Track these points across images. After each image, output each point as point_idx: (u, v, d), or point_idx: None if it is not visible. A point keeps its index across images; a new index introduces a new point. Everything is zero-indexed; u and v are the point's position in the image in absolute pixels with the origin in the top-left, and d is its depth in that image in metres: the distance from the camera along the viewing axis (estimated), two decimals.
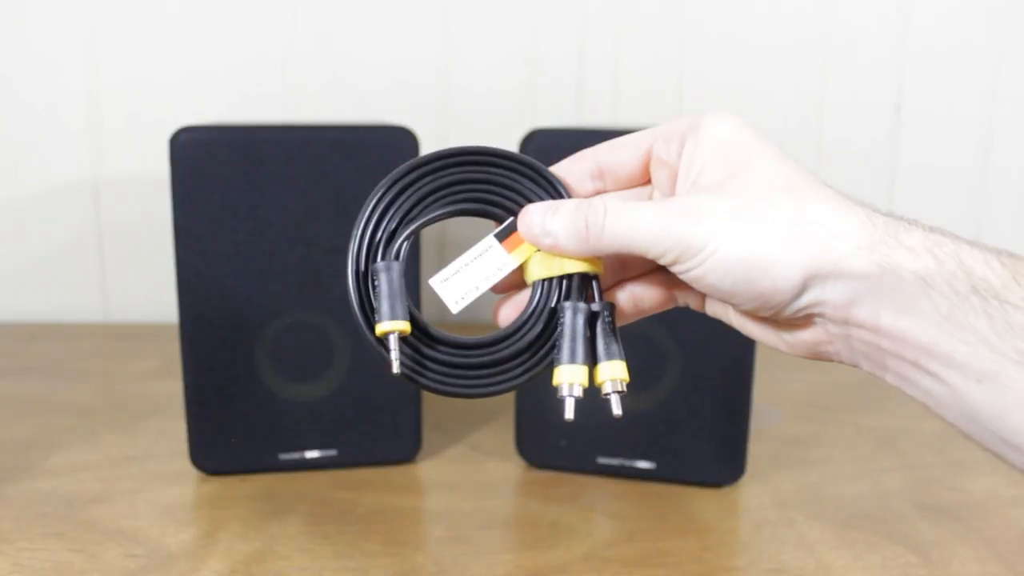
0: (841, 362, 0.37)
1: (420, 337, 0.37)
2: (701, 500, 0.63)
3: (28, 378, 0.86)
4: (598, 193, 0.40)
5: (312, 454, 0.66)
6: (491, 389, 0.38)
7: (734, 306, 0.37)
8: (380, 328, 0.36)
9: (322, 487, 0.64)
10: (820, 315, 0.35)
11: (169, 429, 0.72)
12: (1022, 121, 1.05)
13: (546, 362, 0.38)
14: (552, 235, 0.37)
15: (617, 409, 0.38)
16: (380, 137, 0.63)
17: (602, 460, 0.65)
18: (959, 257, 0.32)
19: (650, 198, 0.40)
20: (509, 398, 0.68)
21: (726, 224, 0.34)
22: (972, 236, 0.35)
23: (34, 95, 1.01)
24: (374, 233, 0.37)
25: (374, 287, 0.37)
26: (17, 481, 0.64)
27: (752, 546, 0.57)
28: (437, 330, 0.37)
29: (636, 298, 0.40)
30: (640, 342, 0.64)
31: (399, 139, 0.62)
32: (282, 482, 0.64)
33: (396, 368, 0.36)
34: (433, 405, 0.71)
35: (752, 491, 0.64)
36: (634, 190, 0.40)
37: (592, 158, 0.40)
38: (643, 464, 0.65)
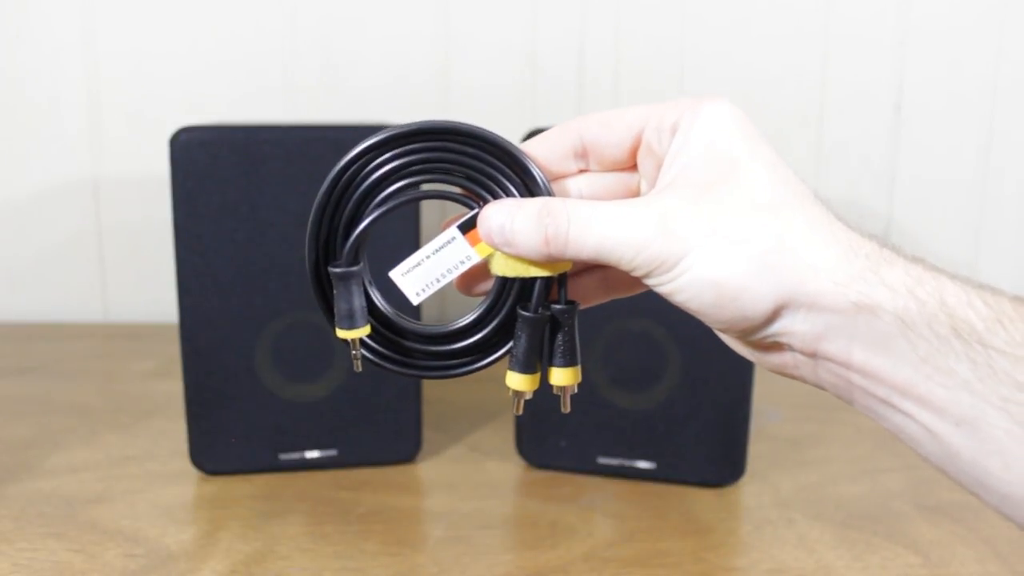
0: (809, 384, 0.35)
1: (382, 330, 0.38)
2: (701, 500, 0.63)
3: (28, 378, 0.86)
4: (581, 173, 0.38)
5: (312, 454, 0.66)
6: (447, 374, 0.39)
7: (710, 321, 0.35)
8: (339, 333, 0.38)
9: (322, 487, 0.64)
10: (788, 344, 0.33)
11: (169, 429, 0.72)
12: (1022, 121, 1.05)
13: (499, 356, 0.38)
14: (512, 244, 0.34)
15: (565, 408, 0.38)
16: None
17: (602, 460, 0.65)
18: (941, 297, 0.31)
19: (635, 192, 0.38)
20: (509, 399, 0.67)
21: (701, 244, 0.32)
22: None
23: (34, 95, 1.01)
24: (330, 227, 0.37)
25: (332, 291, 0.37)
26: (17, 481, 0.64)
27: (752, 546, 0.57)
28: (401, 320, 0.38)
29: (608, 281, 0.39)
30: (640, 342, 0.64)
31: None
32: (282, 482, 0.64)
33: (357, 367, 0.38)
34: (433, 405, 0.71)
35: (752, 491, 0.64)
36: (617, 176, 0.38)
37: (578, 133, 0.37)
38: (643, 464, 0.65)
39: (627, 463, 0.65)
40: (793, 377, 0.35)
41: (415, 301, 0.37)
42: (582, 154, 0.38)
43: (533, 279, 0.36)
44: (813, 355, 0.33)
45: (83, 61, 1.00)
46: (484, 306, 0.38)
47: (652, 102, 0.37)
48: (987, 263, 1.07)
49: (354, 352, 0.38)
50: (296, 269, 0.63)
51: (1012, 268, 1.07)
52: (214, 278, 0.62)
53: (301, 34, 1.01)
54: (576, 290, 0.38)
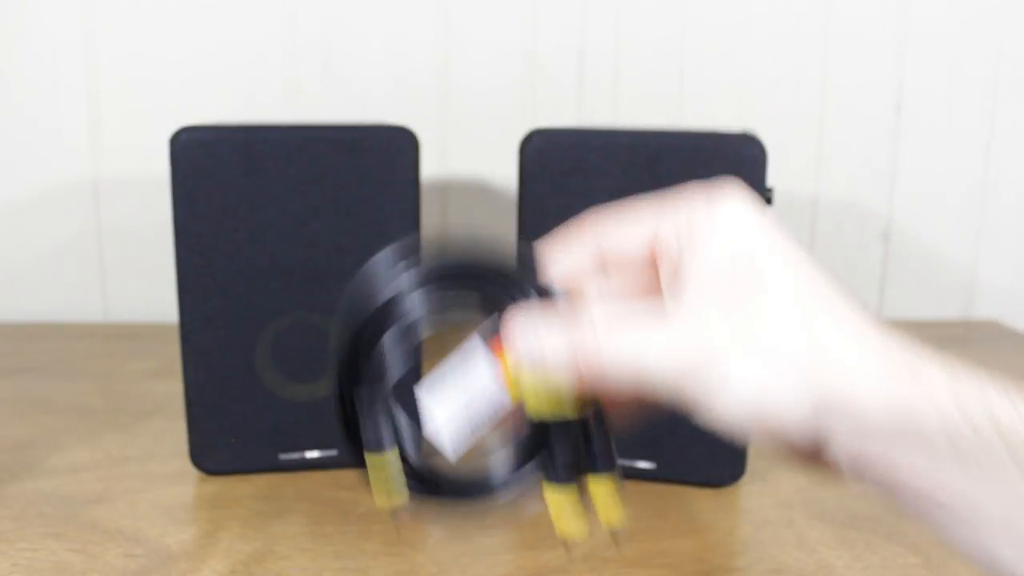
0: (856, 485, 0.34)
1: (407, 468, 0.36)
2: (701, 500, 0.63)
3: (28, 378, 0.86)
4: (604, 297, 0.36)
5: (312, 454, 0.66)
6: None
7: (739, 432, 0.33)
8: (379, 502, 0.35)
9: (322, 487, 0.64)
10: (830, 448, 0.32)
11: (169, 429, 0.72)
12: (1022, 121, 1.05)
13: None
14: (536, 363, 0.33)
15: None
16: (380, 137, 0.63)
17: None
18: (985, 404, 0.29)
19: (658, 297, 0.36)
20: None
21: (735, 364, 0.31)
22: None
23: (34, 95, 1.01)
24: (356, 353, 0.35)
25: (359, 412, 0.35)
26: (17, 481, 0.64)
27: (752, 546, 0.57)
28: (423, 465, 0.36)
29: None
30: None
31: (399, 139, 0.63)
32: (282, 482, 0.64)
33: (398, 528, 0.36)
34: None
35: (752, 491, 0.64)
36: (638, 282, 0.37)
37: (595, 242, 0.36)
38: (643, 464, 0.65)
39: (627, 463, 0.65)
40: (842, 480, 0.34)
41: (453, 459, 0.36)
42: (602, 268, 0.37)
43: (569, 424, 0.34)
44: (856, 457, 0.31)
45: (83, 61, 1.00)
46: (517, 448, 0.36)
47: (663, 198, 0.36)
48: (987, 263, 1.07)
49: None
50: (296, 269, 0.63)
51: (1012, 268, 1.08)
52: (214, 278, 0.62)
53: (301, 34, 1.01)
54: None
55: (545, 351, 0.33)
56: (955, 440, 0.29)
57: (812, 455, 0.33)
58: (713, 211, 0.34)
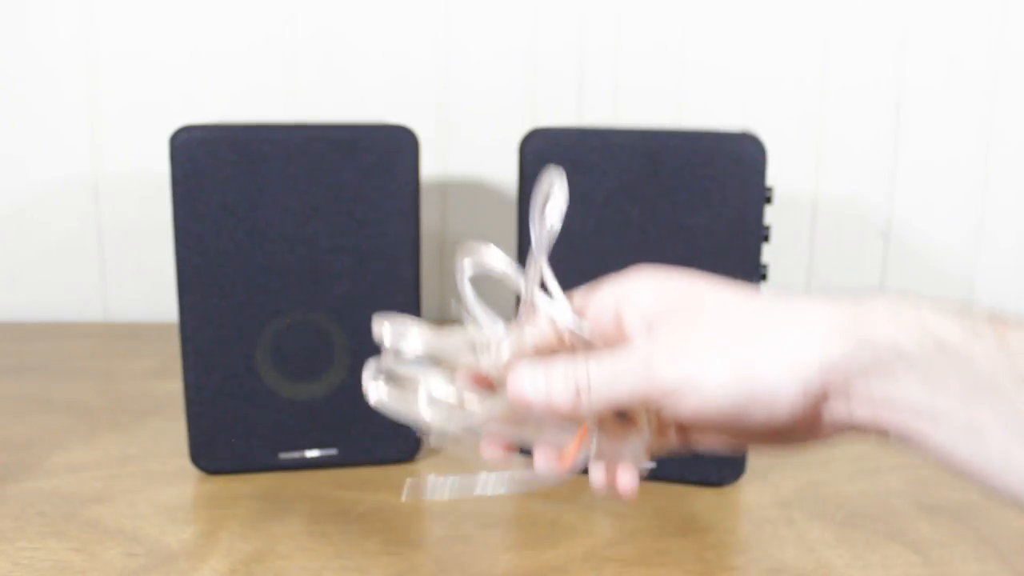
0: (849, 434, 0.38)
1: None
2: (701, 500, 0.63)
3: (28, 378, 0.86)
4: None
5: (312, 454, 0.66)
6: None
7: (741, 429, 0.37)
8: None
9: (322, 487, 0.64)
10: (824, 402, 0.36)
11: (169, 429, 0.72)
12: (1022, 121, 1.05)
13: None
14: (544, 401, 0.38)
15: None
16: (380, 137, 0.63)
17: None
18: (923, 322, 0.34)
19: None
20: None
21: (702, 353, 0.36)
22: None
23: (34, 95, 1.01)
24: None
25: None
26: (17, 481, 0.64)
27: (752, 546, 0.57)
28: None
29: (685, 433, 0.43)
30: None
31: (399, 139, 0.63)
32: (282, 482, 0.64)
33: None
34: None
35: (752, 491, 0.64)
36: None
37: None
38: (643, 464, 0.65)
39: None
40: (836, 436, 0.38)
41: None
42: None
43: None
44: (847, 399, 0.35)
45: (83, 61, 1.00)
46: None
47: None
48: (987, 263, 1.07)
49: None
50: (296, 269, 0.63)
51: (1012, 268, 1.07)
52: (214, 278, 0.62)
53: (301, 34, 1.01)
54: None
55: (545, 396, 0.38)
56: (907, 359, 0.34)
57: (803, 427, 0.37)
58: (625, 280, 0.40)
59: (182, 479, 0.64)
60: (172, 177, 0.60)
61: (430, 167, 1.01)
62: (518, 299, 0.38)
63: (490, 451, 0.43)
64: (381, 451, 0.67)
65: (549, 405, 0.38)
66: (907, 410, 0.34)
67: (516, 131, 0.64)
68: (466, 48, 1.02)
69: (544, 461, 0.42)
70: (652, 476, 0.65)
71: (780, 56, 1.03)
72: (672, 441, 0.43)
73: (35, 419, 0.75)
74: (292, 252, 0.62)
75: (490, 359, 0.39)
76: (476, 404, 0.40)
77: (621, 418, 0.42)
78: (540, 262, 0.38)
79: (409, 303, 0.64)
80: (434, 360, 0.41)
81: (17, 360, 0.91)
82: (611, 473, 0.42)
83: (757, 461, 0.66)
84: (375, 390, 0.40)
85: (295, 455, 0.65)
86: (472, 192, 1.05)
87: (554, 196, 0.38)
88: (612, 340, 0.40)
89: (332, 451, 0.66)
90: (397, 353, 0.39)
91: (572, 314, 0.40)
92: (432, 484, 0.40)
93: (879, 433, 0.36)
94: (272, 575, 0.52)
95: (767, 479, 0.66)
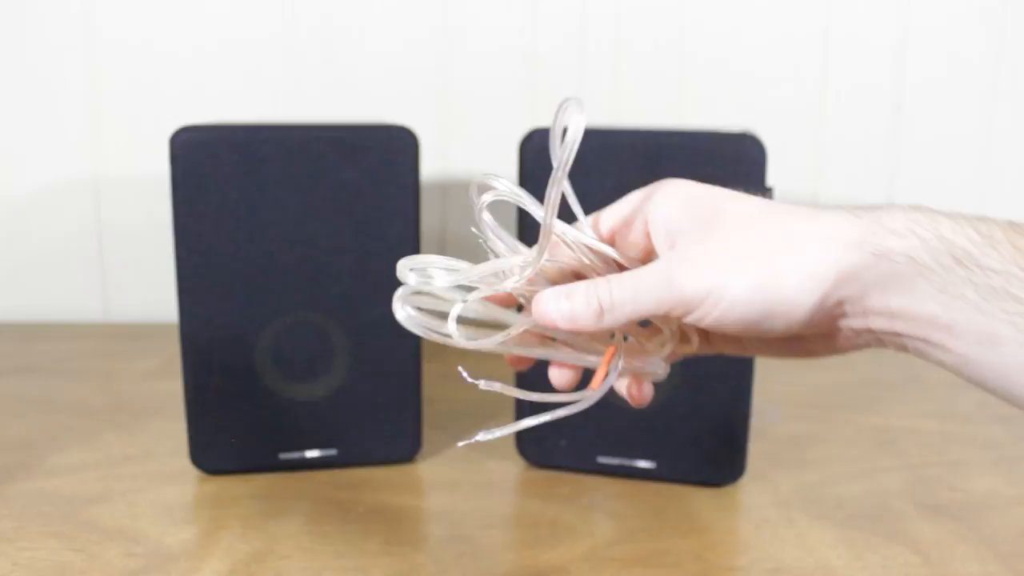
0: (870, 347, 0.39)
1: None
2: (701, 500, 0.63)
3: (28, 378, 0.86)
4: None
5: (312, 454, 0.66)
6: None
7: (760, 335, 0.38)
8: None
9: (322, 487, 0.64)
10: (842, 315, 0.36)
11: (169, 429, 0.72)
12: (1022, 121, 1.05)
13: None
14: (569, 319, 0.39)
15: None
16: (380, 137, 0.63)
17: (602, 460, 0.65)
18: (938, 231, 0.34)
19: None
20: (509, 399, 0.67)
21: (724, 265, 0.36)
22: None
23: (35, 94, 1.01)
24: None
25: None
26: (17, 481, 0.64)
27: (752, 546, 0.57)
28: None
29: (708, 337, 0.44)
30: None
31: (399, 139, 0.63)
32: (282, 482, 0.64)
33: None
34: (433, 405, 0.71)
35: (752, 491, 0.64)
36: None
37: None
38: (643, 463, 0.65)
39: (627, 462, 0.65)
40: (854, 350, 0.39)
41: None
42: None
43: None
44: (864, 315, 0.36)
45: (83, 61, 1.00)
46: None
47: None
48: None
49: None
50: (296, 269, 0.63)
51: None
52: (214, 278, 0.62)
53: (301, 34, 1.01)
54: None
55: (568, 311, 0.39)
56: (922, 269, 0.34)
57: (822, 336, 0.38)
58: (652, 190, 0.40)
59: (182, 479, 0.64)
60: (172, 177, 0.60)
61: (430, 167, 1.01)
62: (537, 228, 0.38)
63: (518, 366, 0.44)
64: (381, 451, 0.67)
65: (573, 323, 0.38)
66: (924, 322, 0.35)
67: (516, 131, 0.64)
68: (466, 48, 1.02)
69: (560, 379, 0.42)
70: (652, 476, 0.65)
71: (780, 56, 1.03)
72: (694, 347, 0.43)
73: (35, 419, 0.75)
74: (292, 252, 0.62)
75: (514, 283, 0.40)
76: (503, 322, 0.41)
77: (643, 326, 0.43)
78: (561, 184, 0.38)
79: None
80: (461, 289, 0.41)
81: (17, 360, 0.91)
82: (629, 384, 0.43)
83: (757, 461, 0.66)
84: (402, 309, 0.40)
85: (295, 455, 0.65)
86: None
87: (572, 118, 0.38)
88: (640, 252, 0.41)
89: (332, 451, 0.66)
90: (425, 284, 0.39)
91: (592, 234, 0.41)
92: (485, 433, 0.41)
93: (896, 346, 0.37)
94: (272, 575, 0.52)
95: (767, 479, 0.66)
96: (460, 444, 0.41)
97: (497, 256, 0.40)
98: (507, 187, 0.40)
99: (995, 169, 1.06)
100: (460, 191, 1.05)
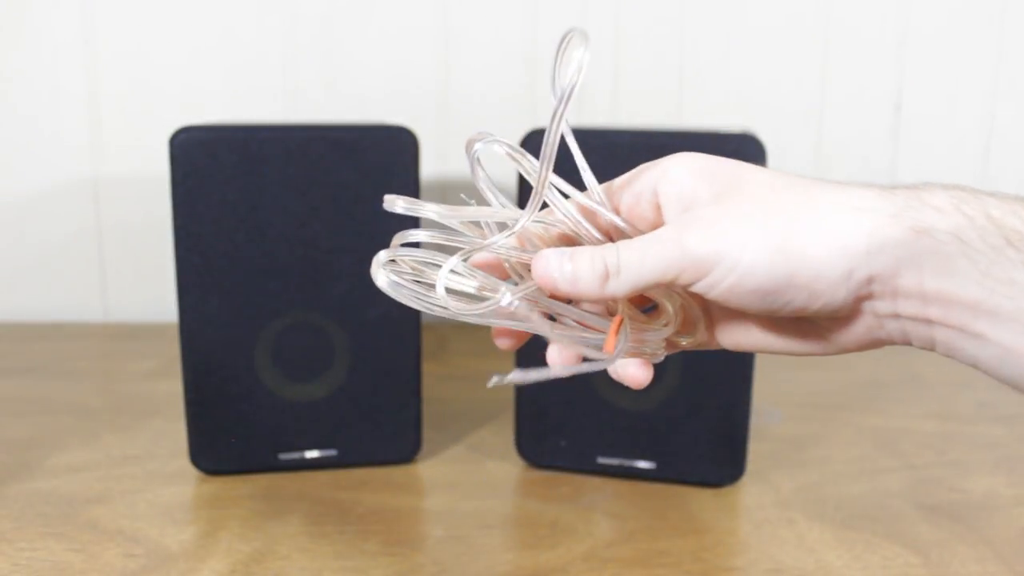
0: (892, 344, 0.35)
1: None
2: (701, 500, 0.63)
3: (28, 378, 0.86)
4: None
5: (312, 454, 0.66)
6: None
7: (775, 312, 0.34)
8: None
9: (322, 487, 0.64)
10: (868, 296, 0.33)
11: (169, 429, 0.72)
12: (1022, 121, 1.05)
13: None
14: (571, 280, 0.35)
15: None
16: (380, 137, 0.63)
17: (602, 460, 0.65)
18: (986, 210, 0.31)
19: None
20: (509, 399, 0.68)
21: (742, 227, 0.32)
22: None
23: (34, 95, 1.01)
24: None
25: None
26: (17, 481, 0.64)
27: (752, 546, 0.57)
28: None
29: (716, 315, 0.40)
30: None
31: (399, 139, 0.63)
32: (282, 482, 0.64)
33: None
34: (433, 405, 0.71)
35: (752, 491, 0.64)
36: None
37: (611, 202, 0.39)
38: (643, 464, 0.65)
39: (627, 463, 0.65)
40: (878, 344, 0.36)
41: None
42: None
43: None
44: (893, 296, 0.33)
45: (83, 61, 1.00)
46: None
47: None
48: None
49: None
50: (296, 269, 0.63)
51: None
52: (214, 278, 0.62)
53: (301, 34, 1.01)
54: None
55: (570, 272, 0.35)
56: (967, 249, 0.31)
57: (843, 320, 0.34)
58: (667, 160, 0.37)
59: (182, 479, 0.64)
60: (172, 177, 0.60)
61: (430, 167, 1.01)
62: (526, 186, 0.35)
63: (503, 342, 0.40)
64: (381, 452, 0.67)
65: (575, 286, 0.35)
66: (963, 307, 0.31)
67: (516, 131, 0.64)
68: (466, 48, 1.02)
69: (558, 360, 0.38)
70: (652, 476, 0.65)
71: (780, 56, 1.03)
72: (700, 335, 0.39)
73: (35, 419, 0.75)
74: (292, 252, 0.62)
75: (509, 242, 0.36)
76: (495, 290, 0.37)
77: (646, 311, 0.40)
78: (561, 121, 0.35)
79: None
80: (447, 247, 0.38)
81: (17, 360, 0.91)
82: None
83: (757, 462, 0.66)
84: (383, 276, 0.37)
85: (295, 456, 0.65)
86: (472, 192, 1.05)
87: (574, 50, 0.34)
88: (649, 227, 0.37)
89: (332, 452, 0.66)
90: (412, 230, 0.37)
91: (604, 199, 0.38)
92: (512, 376, 0.35)
93: (923, 339, 0.34)
94: (271, 575, 0.52)
95: (767, 479, 0.66)
96: (490, 383, 0.35)
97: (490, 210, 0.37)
98: (503, 142, 0.38)
99: (995, 169, 1.06)
100: (460, 191, 1.05)
